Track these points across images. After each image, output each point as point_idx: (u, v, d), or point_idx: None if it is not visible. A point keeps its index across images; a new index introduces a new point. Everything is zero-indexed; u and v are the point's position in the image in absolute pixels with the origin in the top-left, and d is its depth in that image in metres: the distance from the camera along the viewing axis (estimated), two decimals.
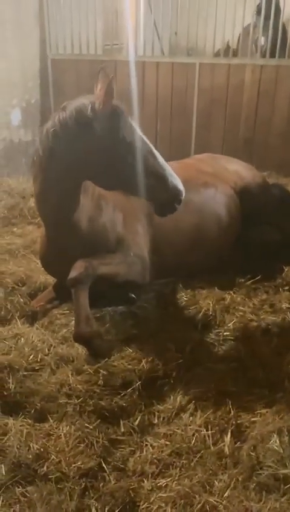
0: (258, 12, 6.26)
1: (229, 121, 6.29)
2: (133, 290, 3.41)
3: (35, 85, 6.64)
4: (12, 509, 2.05)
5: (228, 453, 2.30)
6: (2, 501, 2.07)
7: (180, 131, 6.48)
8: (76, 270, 2.95)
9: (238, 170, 4.18)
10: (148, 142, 2.90)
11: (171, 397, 2.65)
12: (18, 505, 2.06)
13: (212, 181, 3.88)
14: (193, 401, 2.61)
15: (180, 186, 2.89)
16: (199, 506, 2.03)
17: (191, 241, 3.63)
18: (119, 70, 6.46)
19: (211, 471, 2.22)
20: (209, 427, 2.45)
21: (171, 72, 6.36)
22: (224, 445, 2.34)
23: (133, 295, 3.42)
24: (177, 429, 2.45)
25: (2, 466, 2.21)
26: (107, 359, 2.83)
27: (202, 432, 2.43)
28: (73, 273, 2.94)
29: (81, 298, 2.94)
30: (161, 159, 2.90)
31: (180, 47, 6.99)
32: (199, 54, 6.61)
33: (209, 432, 2.42)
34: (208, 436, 2.40)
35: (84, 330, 2.89)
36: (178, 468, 2.25)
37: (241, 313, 3.33)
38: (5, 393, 2.59)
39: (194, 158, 4.45)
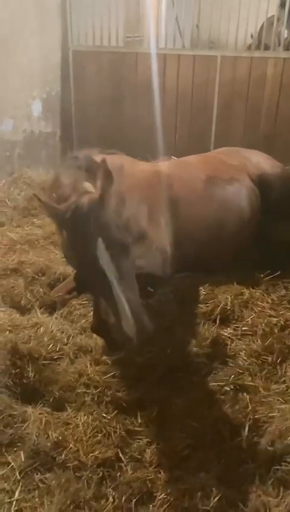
0: (282, 5, 6.15)
1: (250, 115, 6.21)
2: (151, 283, 3.41)
3: (56, 76, 6.64)
4: (31, 494, 2.08)
5: (245, 447, 2.30)
6: (21, 487, 2.10)
7: (200, 125, 6.43)
8: None
9: (260, 162, 4.13)
10: (109, 269, 2.30)
11: (189, 390, 2.66)
12: (37, 491, 2.10)
13: (237, 175, 3.85)
14: (211, 395, 2.62)
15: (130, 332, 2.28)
16: (216, 499, 2.04)
17: (214, 236, 3.63)
18: (140, 63, 6.44)
19: (228, 465, 2.23)
20: (227, 420, 2.46)
21: (193, 64, 6.30)
22: (241, 440, 2.34)
23: (150, 289, 3.42)
24: (195, 422, 2.46)
25: (21, 453, 2.25)
26: (124, 351, 2.84)
27: (219, 426, 2.43)
28: None
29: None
30: (119, 294, 2.30)
31: (202, 40, 6.92)
32: (221, 47, 6.52)
33: (227, 425, 2.42)
34: (225, 430, 2.41)
35: (98, 325, 2.90)
36: (195, 461, 2.26)
37: (259, 308, 3.30)
38: (25, 381, 2.62)
39: (216, 152, 4.40)
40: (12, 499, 2.04)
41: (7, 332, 2.99)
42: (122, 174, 3.39)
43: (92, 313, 3.10)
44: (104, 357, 2.81)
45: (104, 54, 6.61)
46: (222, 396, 2.62)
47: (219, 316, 3.20)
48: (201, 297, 3.41)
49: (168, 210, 3.50)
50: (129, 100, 6.63)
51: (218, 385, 2.68)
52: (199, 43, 6.77)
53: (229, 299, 3.32)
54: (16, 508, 2.01)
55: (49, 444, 2.28)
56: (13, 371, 2.62)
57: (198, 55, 6.27)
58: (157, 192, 3.52)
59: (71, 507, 2.02)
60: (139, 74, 6.47)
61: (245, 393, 2.62)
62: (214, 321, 3.18)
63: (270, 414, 2.47)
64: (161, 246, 3.33)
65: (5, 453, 2.26)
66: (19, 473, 2.16)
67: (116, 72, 6.58)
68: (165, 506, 2.03)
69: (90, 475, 2.18)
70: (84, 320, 3.19)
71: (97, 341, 2.96)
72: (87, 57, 6.68)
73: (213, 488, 2.09)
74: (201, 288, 3.50)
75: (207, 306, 3.31)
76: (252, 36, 6.29)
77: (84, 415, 2.48)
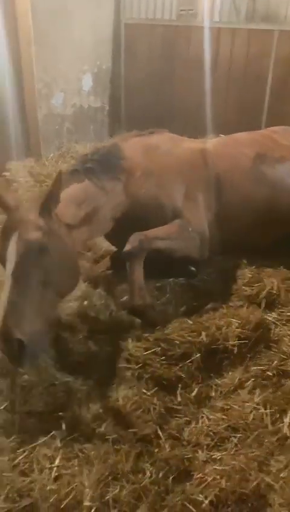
0: None
1: None
2: (193, 263, 3.39)
3: (107, 50, 6.57)
4: (70, 463, 2.12)
5: (287, 434, 2.25)
6: (62, 454, 2.15)
7: (253, 102, 6.23)
8: (130, 243, 2.90)
9: None
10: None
11: (230, 372, 2.63)
12: (76, 460, 2.14)
13: (288, 155, 3.69)
14: (253, 379, 2.58)
15: None
16: (254, 483, 2.02)
17: (262, 219, 3.49)
18: (193, 37, 6.27)
19: (267, 450, 2.19)
20: (268, 406, 2.42)
21: (248, 39, 6.07)
22: (282, 426, 2.30)
23: (193, 268, 3.40)
24: (235, 405, 2.43)
25: (62, 422, 2.29)
26: (163, 329, 2.83)
27: (260, 410, 2.39)
28: (127, 247, 2.89)
29: (136, 271, 2.92)
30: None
31: (258, 13, 6.64)
32: (279, 21, 6.23)
33: (268, 410, 2.39)
34: (266, 415, 2.37)
35: (138, 303, 2.91)
36: (234, 444, 2.24)
37: None
38: (68, 352, 2.66)
39: (269, 130, 4.21)
40: (53, 465, 2.08)
41: None
42: (156, 153, 3.35)
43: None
44: (145, 335, 2.80)
45: (157, 28, 6.47)
46: (264, 381, 2.57)
47: (264, 300, 3.12)
48: (246, 279, 3.33)
49: (210, 189, 3.39)
50: (180, 75, 6.49)
51: (261, 369, 2.63)
52: (255, 17, 6.51)
53: (276, 283, 3.23)
54: (56, 474, 2.05)
55: (89, 416, 2.32)
56: (57, 342, 2.67)
57: (254, 29, 6.03)
58: (197, 171, 3.41)
59: (109, 478, 2.05)
60: (191, 49, 6.30)
61: (288, 380, 2.56)
62: (259, 305, 3.10)
63: None
64: (198, 227, 3.26)
65: (47, 421, 2.31)
66: (60, 441, 2.21)
67: (168, 46, 6.44)
68: (202, 485, 2.02)
69: (128, 449, 2.19)
70: (126, 297, 3.19)
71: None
72: (139, 31, 6.57)
73: (252, 472, 2.06)
74: (247, 270, 3.41)
75: (252, 289, 3.23)
76: None
77: (124, 390, 2.49)
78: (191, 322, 2.88)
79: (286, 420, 2.31)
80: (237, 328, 2.84)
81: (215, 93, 6.18)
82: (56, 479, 2.04)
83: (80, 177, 2.90)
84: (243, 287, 3.27)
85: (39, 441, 2.20)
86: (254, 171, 3.52)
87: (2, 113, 5.03)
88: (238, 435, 2.28)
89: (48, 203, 2.43)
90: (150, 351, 2.68)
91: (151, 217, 3.14)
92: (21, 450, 2.16)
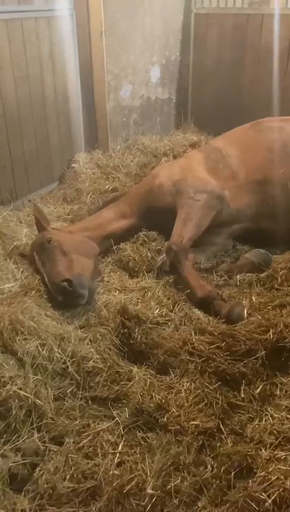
0: None
1: None
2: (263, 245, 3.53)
3: (176, 41, 6.51)
4: (133, 450, 2.16)
5: None
6: (124, 441, 2.19)
7: None
8: (166, 256, 3.31)
9: None
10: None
11: None
12: (138, 448, 2.17)
13: None
14: None
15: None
16: None
17: None
18: (265, 25, 6.07)
19: None
20: None
21: None
22: None
23: (265, 251, 3.47)
24: None
25: (126, 409, 2.33)
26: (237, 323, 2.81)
27: None
28: (167, 259, 3.30)
29: (183, 272, 3.18)
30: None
31: None
32: None
33: None
34: None
35: (201, 295, 2.97)
36: None
37: None
38: (132, 341, 2.69)
39: None
40: (116, 451, 2.12)
41: (117, 292, 3.09)
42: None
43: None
44: (209, 328, 2.78)
45: (227, 17, 6.33)
46: None
47: None
48: None
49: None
50: (250, 65, 6.32)
51: None
52: None
53: None
54: (119, 460, 2.09)
55: (152, 405, 2.33)
56: (122, 331, 2.71)
57: None
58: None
59: (171, 468, 2.06)
60: (263, 37, 6.11)
61: None
62: None
63: None
64: (202, 187, 3.57)
65: (111, 408, 2.37)
66: (123, 428, 2.25)
67: (239, 35, 6.28)
68: (265, 484, 1.97)
69: (190, 441, 2.20)
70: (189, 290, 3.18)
71: (203, 311, 2.95)
72: (210, 20, 6.45)
73: None
74: None
75: None
76: None
77: (187, 382, 2.50)
78: (260, 318, 2.82)
79: None
80: None
81: (287, 83, 5.96)
82: (119, 464, 2.08)
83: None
84: None
85: (103, 427, 2.25)
86: None
87: (72, 105, 5.13)
88: None
89: (40, 226, 3.54)
90: (214, 346, 2.66)
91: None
92: (85, 433, 2.22)
